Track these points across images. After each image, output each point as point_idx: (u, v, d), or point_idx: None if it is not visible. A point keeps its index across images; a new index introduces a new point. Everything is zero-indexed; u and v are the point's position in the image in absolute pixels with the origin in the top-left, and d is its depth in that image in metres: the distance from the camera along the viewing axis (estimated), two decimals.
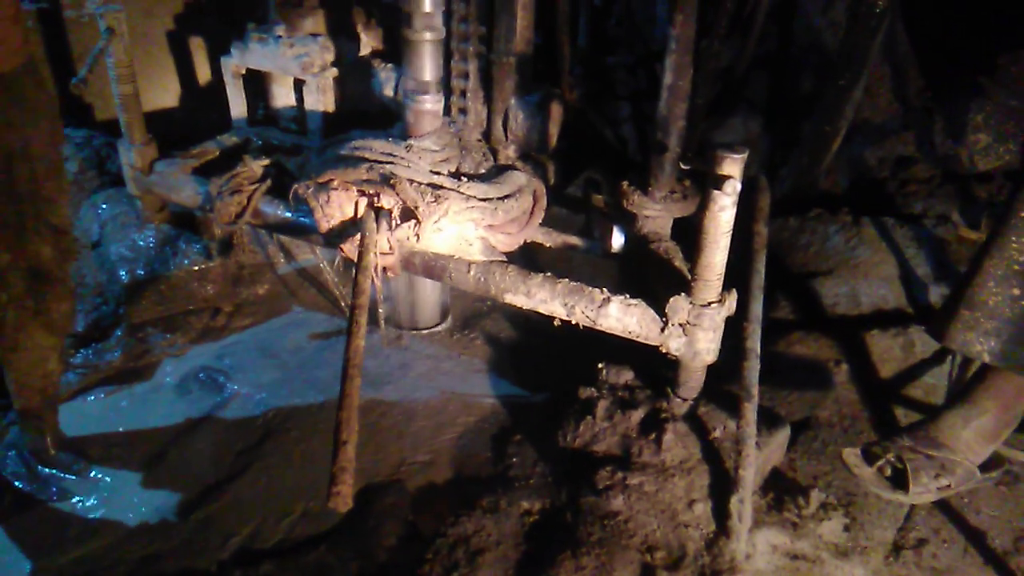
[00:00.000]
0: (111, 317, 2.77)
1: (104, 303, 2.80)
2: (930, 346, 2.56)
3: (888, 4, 2.07)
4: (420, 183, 2.22)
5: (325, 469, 2.28)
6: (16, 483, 2.21)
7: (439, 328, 2.94)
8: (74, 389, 2.54)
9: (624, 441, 2.15)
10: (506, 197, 2.34)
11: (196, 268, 2.82)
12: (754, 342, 2.03)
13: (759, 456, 2.00)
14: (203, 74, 3.42)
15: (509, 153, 2.64)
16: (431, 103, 2.37)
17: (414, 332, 2.90)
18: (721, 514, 1.94)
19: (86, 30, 3.14)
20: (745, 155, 1.73)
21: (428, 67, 2.33)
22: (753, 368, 1.99)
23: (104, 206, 2.96)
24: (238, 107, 2.93)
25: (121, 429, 2.44)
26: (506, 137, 2.64)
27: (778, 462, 2.23)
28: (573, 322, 2.13)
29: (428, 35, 2.28)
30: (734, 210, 1.81)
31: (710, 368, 2.10)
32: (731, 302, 1.99)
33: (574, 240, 2.55)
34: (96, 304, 2.79)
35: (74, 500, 2.20)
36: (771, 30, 3.20)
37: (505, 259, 2.30)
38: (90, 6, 3.09)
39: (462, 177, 2.36)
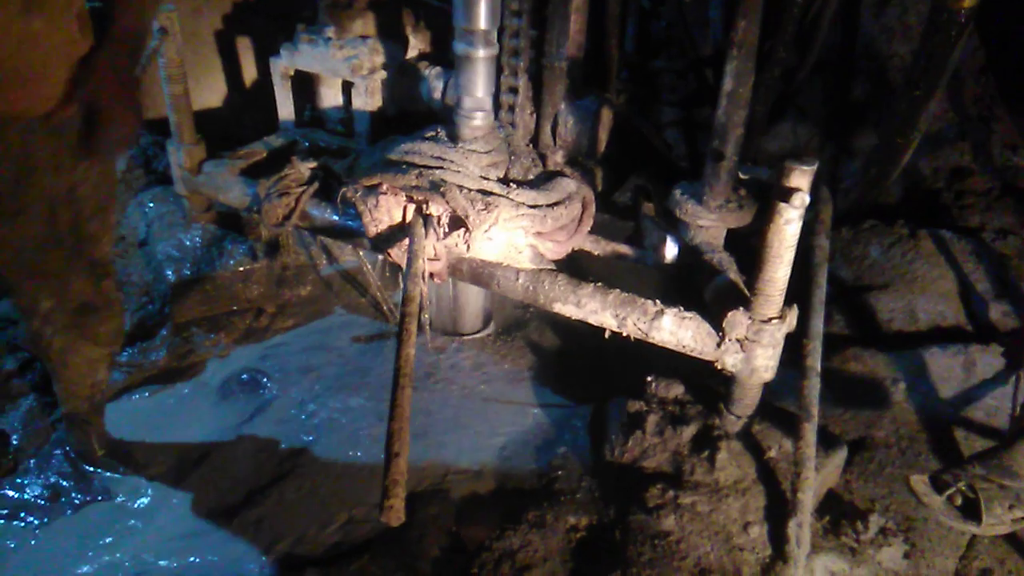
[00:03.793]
0: (156, 316, 2.77)
1: (150, 302, 2.81)
2: (992, 366, 2.46)
3: (972, 15, 1.97)
4: (470, 189, 2.19)
5: (368, 476, 2.30)
6: (62, 482, 2.22)
7: (482, 334, 2.90)
8: (119, 388, 2.54)
9: (675, 458, 2.09)
10: (555, 204, 2.29)
11: (241, 269, 2.81)
12: (814, 360, 1.97)
13: (816, 478, 1.93)
14: (250, 74, 3.42)
15: (557, 159, 2.59)
16: (481, 119, 2.34)
17: (457, 338, 2.87)
18: (778, 538, 1.87)
19: None
20: (815, 167, 1.66)
21: (481, 83, 2.29)
22: (813, 387, 1.92)
23: (151, 205, 2.98)
24: (286, 108, 2.93)
25: (165, 430, 2.43)
26: (555, 142, 2.59)
27: (834, 484, 2.16)
28: (624, 334, 2.08)
29: (482, 52, 2.23)
30: (800, 223, 1.74)
31: (764, 384, 2.04)
32: (792, 318, 1.92)
33: (624, 249, 2.48)
34: (142, 303, 2.80)
35: (118, 501, 2.20)
36: (830, 36, 3.10)
37: (554, 267, 2.25)
38: None
39: (511, 183, 2.32)
